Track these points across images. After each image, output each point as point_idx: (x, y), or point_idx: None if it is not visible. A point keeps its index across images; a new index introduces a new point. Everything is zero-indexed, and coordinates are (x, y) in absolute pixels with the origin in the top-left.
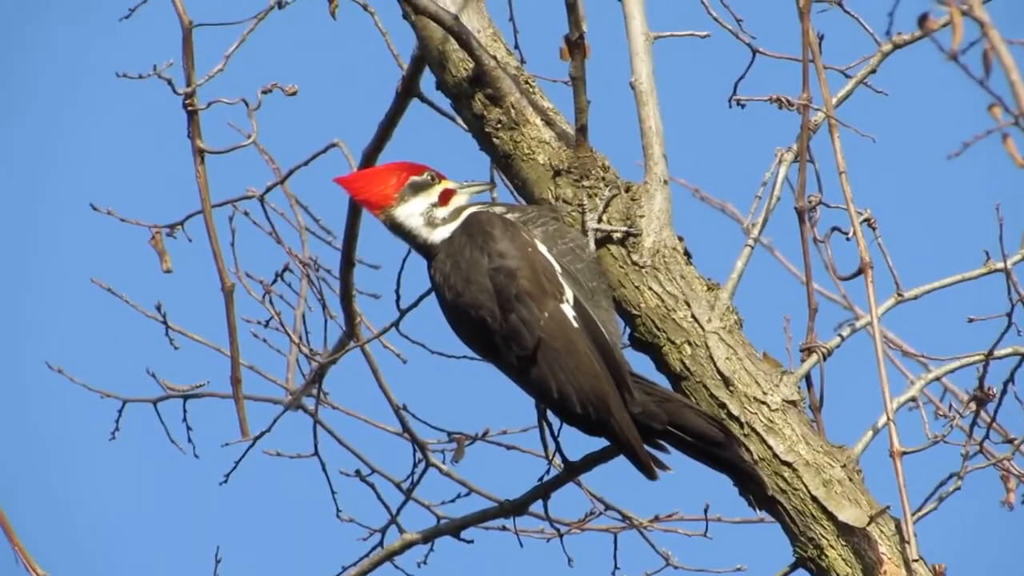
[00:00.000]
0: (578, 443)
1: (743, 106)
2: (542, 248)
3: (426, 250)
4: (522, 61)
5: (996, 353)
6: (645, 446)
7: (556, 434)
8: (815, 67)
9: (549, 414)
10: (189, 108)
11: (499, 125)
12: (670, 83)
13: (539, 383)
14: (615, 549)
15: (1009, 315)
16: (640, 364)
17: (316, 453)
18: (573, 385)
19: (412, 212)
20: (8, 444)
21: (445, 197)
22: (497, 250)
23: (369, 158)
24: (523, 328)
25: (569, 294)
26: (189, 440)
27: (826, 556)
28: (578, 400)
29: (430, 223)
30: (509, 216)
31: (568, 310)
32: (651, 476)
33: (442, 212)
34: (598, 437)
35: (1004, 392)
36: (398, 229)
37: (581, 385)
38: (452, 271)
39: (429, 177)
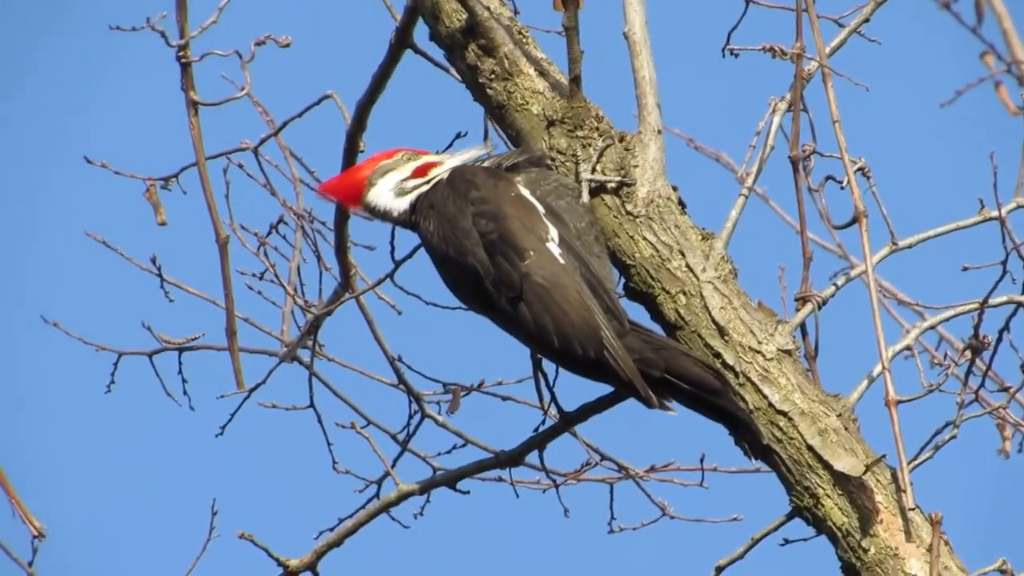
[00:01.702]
0: (574, 394)
1: (736, 55)
2: (524, 191)
3: (406, 221)
4: (515, 12)
5: (991, 301)
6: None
7: (552, 384)
8: (808, 16)
9: (545, 364)
10: (182, 60)
11: (492, 76)
12: (664, 33)
13: (531, 324)
14: (611, 500)
15: (1004, 263)
16: (636, 314)
17: (312, 405)
18: (564, 322)
19: (381, 192)
20: (5, 397)
21: (423, 170)
22: (479, 196)
23: (363, 110)
24: (510, 268)
25: (554, 233)
26: (185, 392)
27: (822, 505)
28: (570, 337)
29: (401, 194)
30: (489, 164)
31: (554, 248)
32: (650, 404)
33: (415, 183)
34: (594, 378)
35: (999, 340)
36: (374, 212)
37: (572, 320)
38: (437, 221)
39: (402, 156)
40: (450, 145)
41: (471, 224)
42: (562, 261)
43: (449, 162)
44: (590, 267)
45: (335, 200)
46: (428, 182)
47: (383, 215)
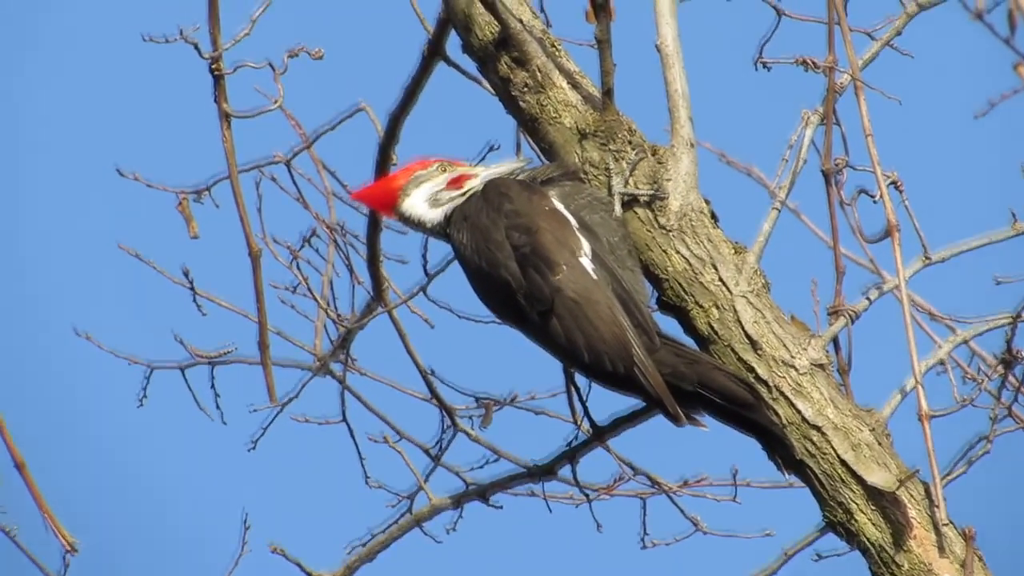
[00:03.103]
0: (606, 407)
1: (769, 68)
2: (558, 204)
3: (440, 231)
4: (548, 24)
5: None
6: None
7: (584, 398)
8: (840, 29)
9: (577, 377)
10: (215, 72)
11: (525, 88)
12: (696, 45)
13: (563, 338)
14: (644, 514)
15: None
16: (668, 327)
17: (344, 419)
18: (594, 336)
19: (415, 202)
20: (37, 411)
21: (459, 181)
22: (513, 209)
23: (395, 121)
24: (542, 282)
25: (587, 247)
26: (217, 406)
27: (855, 520)
28: (600, 351)
29: (435, 204)
30: (523, 177)
31: (586, 263)
32: (677, 421)
33: (450, 194)
34: (625, 392)
35: None
36: (408, 221)
37: (602, 335)
38: (470, 233)
39: (437, 168)
40: (483, 157)
41: (504, 237)
42: (594, 276)
43: (484, 174)
44: (622, 281)
45: (368, 207)
46: (463, 194)
47: (417, 225)
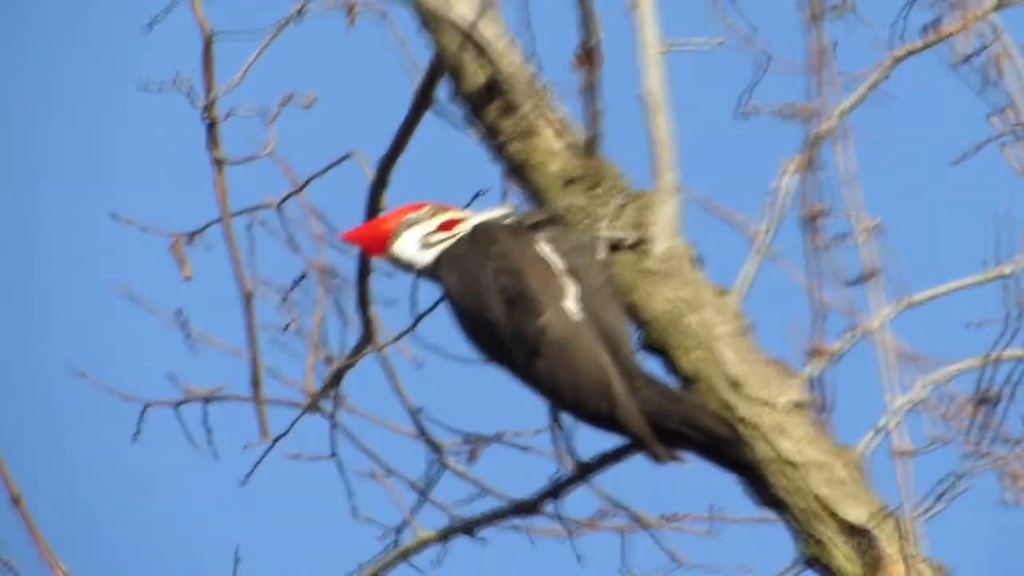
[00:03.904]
0: (590, 444)
1: (751, 115)
2: (544, 249)
3: (429, 273)
4: (537, 70)
5: (996, 356)
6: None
7: (568, 435)
8: (824, 76)
9: (561, 415)
10: (208, 119)
11: (513, 134)
12: (680, 93)
13: (547, 379)
14: (623, 548)
15: (1008, 319)
16: (652, 367)
17: (334, 454)
18: (578, 379)
19: (406, 244)
20: (33, 447)
21: (449, 225)
22: (500, 252)
23: (385, 167)
24: (527, 325)
25: (571, 291)
26: (209, 442)
27: (829, 554)
28: (583, 393)
29: (425, 247)
30: (511, 221)
31: (571, 305)
32: (659, 459)
33: (439, 237)
34: (607, 431)
35: (1004, 394)
36: (398, 263)
37: (585, 377)
38: (458, 276)
39: (428, 211)
40: (472, 202)
41: (491, 279)
42: (578, 319)
43: (473, 218)
44: (606, 324)
45: (359, 248)
46: (452, 236)
47: (407, 266)
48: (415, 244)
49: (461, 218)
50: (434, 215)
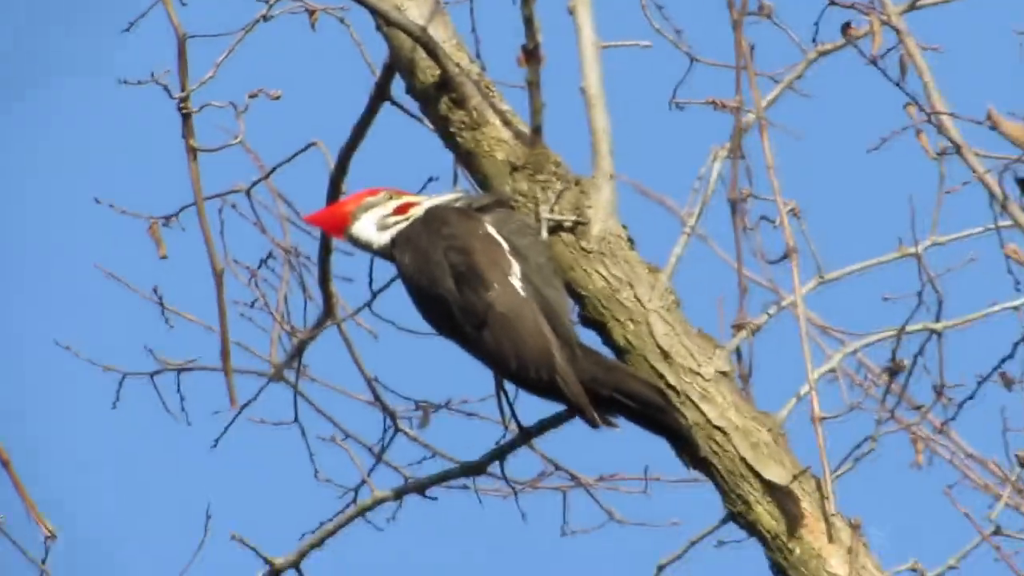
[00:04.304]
0: (532, 411)
1: (682, 108)
2: (491, 229)
3: (386, 252)
4: (483, 68)
5: (907, 329)
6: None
7: (512, 402)
8: (747, 73)
9: (506, 384)
10: (183, 111)
11: (462, 126)
12: (617, 88)
13: (493, 350)
14: (564, 506)
15: (920, 294)
16: (588, 339)
17: (296, 420)
18: (522, 350)
19: (364, 225)
20: (20, 414)
21: (404, 208)
22: (451, 232)
23: (345, 156)
24: (476, 299)
25: (517, 268)
26: (183, 409)
27: (753, 511)
28: (526, 363)
29: (382, 228)
30: (461, 204)
31: (516, 282)
32: (594, 424)
33: (396, 219)
34: (548, 398)
35: (914, 364)
36: (357, 243)
37: (528, 349)
38: (412, 254)
39: (384, 195)
40: (425, 187)
41: (442, 257)
42: (522, 293)
43: (426, 202)
44: (547, 298)
45: (321, 230)
46: (407, 219)
47: (365, 246)
48: (373, 226)
49: (415, 202)
50: (390, 199)
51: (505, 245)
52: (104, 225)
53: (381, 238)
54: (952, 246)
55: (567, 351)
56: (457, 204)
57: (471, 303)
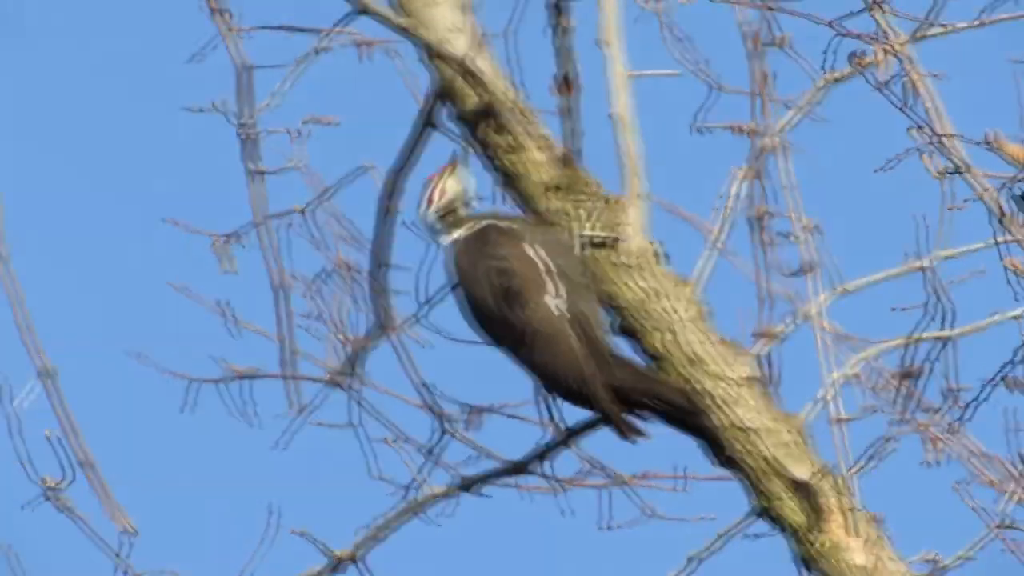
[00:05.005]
0: (573, 412)
1: (706, 133)
2: (533, 250)
3: (446, 256)
4: (523, 96)
5: (919, 336)
6: (627, 415)
7: (553, 406)
8: (765, 100)
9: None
10: (244, 137)
11: (503, 150)
12: (646, 114)
13: (534, 365)
14: (604, 502)
15: (927, 305)
16: (624, 348)
17: (352, 423)
18: (560, 365)
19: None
20: (101, 419)
21: (434, 196)
22: (497, 253)
23: (394, 179)
24: (518, 318)
25: (555, 288)
26: (250, 414)
27: (780, 507)
28: (564, 378)
29: (442, 227)
30: (510, 225)
31: (556, 302)
32: (627, 439)
33: (443, 218)
34: (584, 408)
35: (927, 370)
36: (427, 229)
37: (566, 365)
38: (463, 271)
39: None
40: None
41: (486, 275)
42: (559, 312)
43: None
44: (584, 314)
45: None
46: (454, 221)
47: (431, 234)
48: (435, 220)
49: (441, 188)
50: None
51: (544, 265)
52: (174, 243)
53: (440, 238)
54: (957, 259)
55: (601, 362)
56: (507, 225)
57: (512, 321)
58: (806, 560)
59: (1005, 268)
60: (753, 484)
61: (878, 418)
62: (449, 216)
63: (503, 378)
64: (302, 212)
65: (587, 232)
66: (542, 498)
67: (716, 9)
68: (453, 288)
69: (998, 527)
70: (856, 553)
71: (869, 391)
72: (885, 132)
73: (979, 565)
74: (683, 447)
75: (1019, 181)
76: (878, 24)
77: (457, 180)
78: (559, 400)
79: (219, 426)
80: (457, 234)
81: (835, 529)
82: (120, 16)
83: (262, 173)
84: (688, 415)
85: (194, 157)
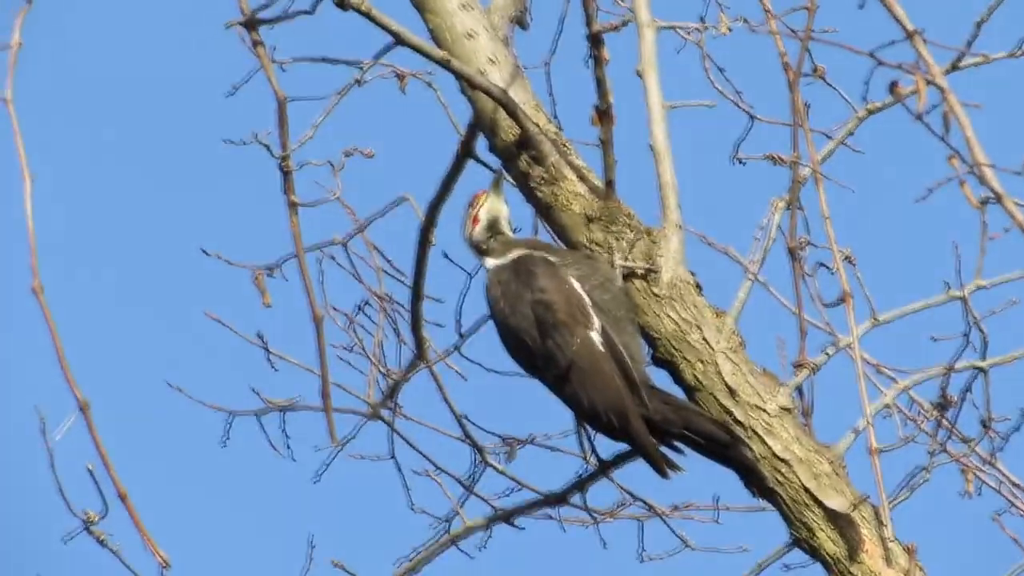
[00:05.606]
0: (609, 444)
1: (743, 163)
2: (576, 285)
3: (486, 276)
4: (560, 127)
5: (955, 367)
6: (664, 447)
7: (591, 438)
8: (803, 130)
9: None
10: (284, 169)
11: (541, 181)
12: (683, 145)
13: (572, 398)
14: (641, 534)
15: (966, 335)
16: (660, 378)
17: (392, 456)
18: (598, 400)
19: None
20: (137, 450)
21: (476, 220)
22: (538, 286)
23: (433, 209)
24: (558, 352)
25: (597, 323)
26: (287, 446)
27: (816, 537)
28: (603, 412)
29: (485, 247)
30: (551, 258)
31: (596, 337)
32: (663, 475)
33: (487, 240)
34: (621, 442)
35: (962, 400)
36: (474, 248)
37: (605, 400)
38: (502, 300)
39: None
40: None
41: (529, 308)
42: (601, 348)
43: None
44: (623, 346)
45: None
46: (504, 246)
47: (477, 253)
48: (481, 238)
49: (479, 215)
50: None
51: (587, 299)
52: (212, 275)
53: (484, 260)
54: (995, 289)
55: (639, 395)
56: (548, 258)
57: (553, 354)
58: None
59: None
60: (790, 515)
61: (915, 449)
62: (492, 237)
63: (540, 410)
64: (342, 244)
65: (625, 263)
66: (580, 530)
67: (755, 40)
68: (493, 315)
69: None
70: None
71: (906, 422)
72: (923, 162)
73: None
74: (719, 478)
75: None
76: (918, 53)
77: (500, 200)
78: (597, 432)
79: (257, 458)
80: (500, 259)
81: (872, 560)
82: (161, 49)
83: (302, 205)
84: (725, 447)
85: (234, 189)
